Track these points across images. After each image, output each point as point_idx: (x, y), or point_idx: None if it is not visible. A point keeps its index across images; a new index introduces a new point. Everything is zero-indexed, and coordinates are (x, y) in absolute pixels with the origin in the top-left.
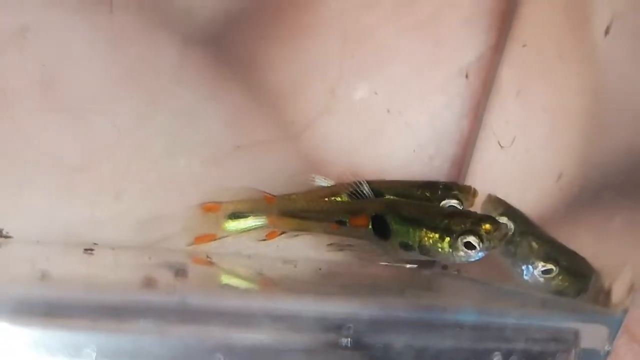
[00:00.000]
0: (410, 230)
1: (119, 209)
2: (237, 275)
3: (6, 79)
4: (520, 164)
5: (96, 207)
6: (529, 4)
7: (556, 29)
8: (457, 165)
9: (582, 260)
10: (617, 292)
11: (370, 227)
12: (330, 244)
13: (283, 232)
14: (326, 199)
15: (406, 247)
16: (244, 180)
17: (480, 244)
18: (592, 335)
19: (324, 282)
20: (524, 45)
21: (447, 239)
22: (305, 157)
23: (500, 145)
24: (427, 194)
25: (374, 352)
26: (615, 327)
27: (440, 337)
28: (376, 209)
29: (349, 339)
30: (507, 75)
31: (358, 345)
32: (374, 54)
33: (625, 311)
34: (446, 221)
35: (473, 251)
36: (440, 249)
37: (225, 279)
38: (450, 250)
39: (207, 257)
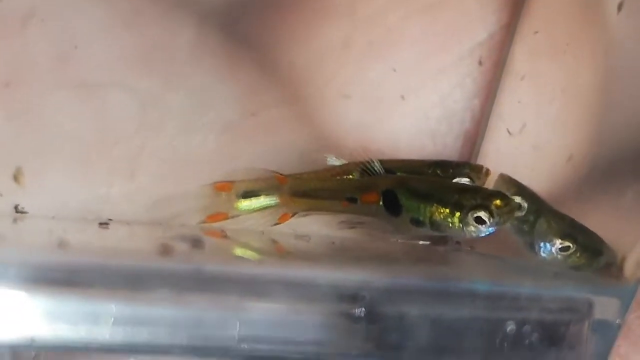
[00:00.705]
0: (421, 205)
1: (133, 187)
2: (252, 247)
3: (23, 56)
4: (531, 146)
5: (112, 185)
6: None
7: (568, 8)
8: (468, 144)
9: (597, 237)
10: (630, 266)
11: (381, 203)
12: (342, 222)
13: (295, 214)
14: (337, 177)
15: (417, 222)
16: (257, 159)
17: (491, 218)
18: (605, 306)
19: (338, 254)
20: (535, 32)
21: (458, 213)
22: (318, 136)
23: (509, 132)
24: (439, 173)
25: (388, 321)
26: (627, 300)
27: (454, 307)
28: (387, 185)
29: (364, 308)
30: (519, 59)
31: (372, 314)
32: (385, 35)
33: (637, 284)
34: (457, 196)
35: (483, 226)
36: (450, 224)
37: (240, 251)
38: (461, 225)
39: (222, 231)
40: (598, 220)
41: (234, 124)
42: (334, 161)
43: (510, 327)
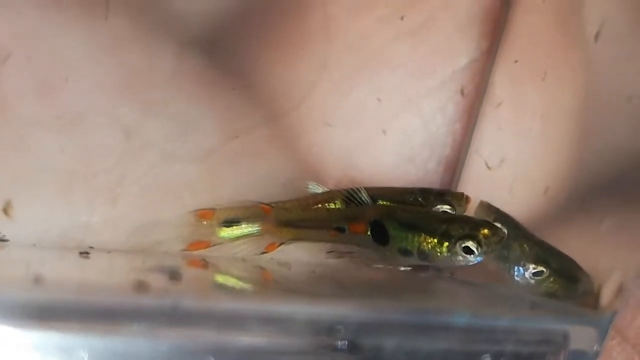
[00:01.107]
0: (409, 235)
1: (115, 214)
2: (232, 277)
3: (2, 84)
4: (509, 176)
5: (92, 212)
6: (520, 12)
7: (547, 36)
8: (450, 169)
9: (573, 263)
10: (606, 294)
11: (369, 233)
12: (330, 252)
13: (282, 244)
14: (323, 206)
15: (405, 252)
16: (239, 186)
17: (479, 248)
18: (581, 336)
19: (318, 284)
20: (515, 61)
21: (446, 243)
22: (299, 163)
23: (487, 165)
24: (420, 200)
25: (365, 354)
26: (604, 329)
27: (432, 339)
28: (374, 215)
29: (340, 341)
30: (499, 85)
31: (349, 347)
32: (367, 61)
33: (614, 313)
34: (445, 226)
35: (471, 255)
36: (439, 254)
37: (219, 281)
38: (449, 254)
39: (204, 260)
40: (575, 249)
41: (214, 152)
42: (315, 188)
43: (487, 359)
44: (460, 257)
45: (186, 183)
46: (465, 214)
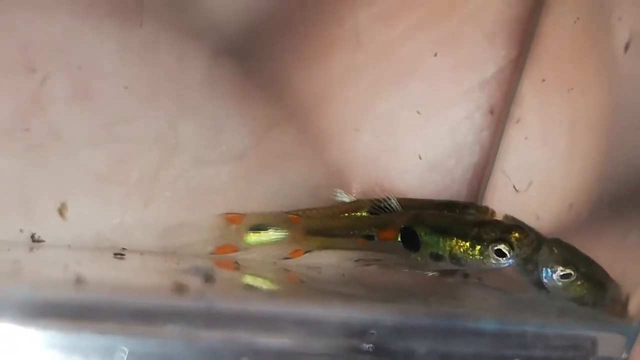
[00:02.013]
0: (441, 240)
1: (146, 216)
2: (263, 279)
3: (42, 89)
4: (534, 188)
5: (126, 214)
6: (549, 22)
7: (575, 48)
8: (477, 177)
9: (601, 269)
10: (634, 303)
11: (399, 239)
12: (358, 260)
13: (308, 251)
14: (350, 215)
15: (437, 257)
16: (269, 192)
17: (511, 251)
18: (609, 344)
19: (348, 288)
20: (543, 79)
21: (478, 247)
22: (328, 170)
23: (515, 188)
24: (445, 212)
25: (396, 358)
26: (632, 337)
27: (461, 344)
28: (404, 222)
29: (372, 345)
30: (525, 99)
31: (380, 351)
32: (396, 68)
33: None
34: (476, 230)
35: (504, 259)
36: (471, 257)
37: (251, 284)
38: (482, 258)
39: (236, 262)
40: (602, 260)
41: (245, 157)
42: (342, 196)
43: None
44: (493, 260)
45: (217, 187)
46: None
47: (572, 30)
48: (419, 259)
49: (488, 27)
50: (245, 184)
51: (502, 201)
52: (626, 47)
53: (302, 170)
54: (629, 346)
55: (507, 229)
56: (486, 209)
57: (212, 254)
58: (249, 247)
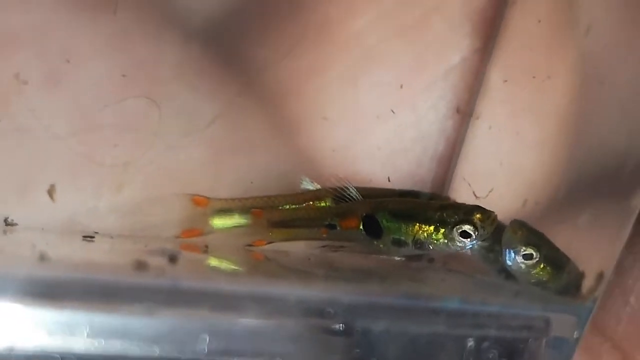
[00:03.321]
0: (403, 226)
1: (119, 201)
2: (227, 261)
3: (17, 73)
4: (490, 183)
5: (99, 199)
6: (515, 12)
7: (540, 36)
8: (444, 165)
9: (564, 255)
10: (587, 283)
11: (361, 227)
12: (323, 246)
13: (271, 242)
14: (312, 205)
15: (400, 243)
16: (238, 177)
17: (475, 231)
18: (562, 323)
19: (312, 270)
20: (505, 81)
21: (442, 230)
22: (296, 158)
23: (475, 195)
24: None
25: (355, 336)
26: (584, 316)
27: (418, 323)
28: (366, 210)
29: (330, 323)
30: (491, 88)
31: (338, 328)
32: (363, 58)
33: (594, 300)
34: (439, 213)
35: (469, 240)
36: (435, 241)
37: (215, 265)
38: (446, 241)
39: (206, 246)
40: (559, 241)
41: (217, 143)
42: (308, 184)
43: (471, 343)
44: (458, 242)
45: (189, 172)
46: None
47: (535, 20)
48: (382, 246)
49: (453, 17)
50: (217, 169)
51: (469, 192)
52: (587, 30)
53: (270, 156)
54: (581, 326)
55: (470, 211)
56: (447, 199)
57: (177, 237)
58: (213, 230)
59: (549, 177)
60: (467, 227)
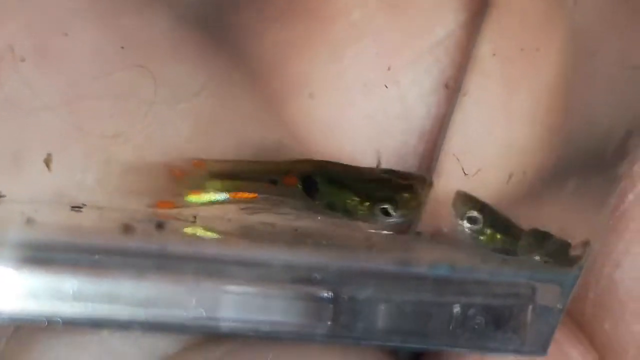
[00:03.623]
0: (336, 192)
1: (108, 173)
2: (214, 230)
3: (8, 44)
4: (478, 159)
5: (87, 171)
6: None
7: (528, 10)
8: (429, 142)
9: (515, 224)
10: (573, 250)
11: (300, 186)
12: (245, 208)
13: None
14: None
15: (332, 207)
16: (227, 149)
17: (396, 210)
18: (548, 292)
19: (298, 239)
20: (493, 55)
21: (367, 203)
22: (284, 130)
23: (464, 172)
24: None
25: (340, 302)
26: (570, 285)
27: (404, 290)
28: (306, 170)
29: (317, 289)
30: (477, 63)
31: (325, 295)
32: (348, 32)
33: (580, 268)
34: (368, 186)
35: (388, 217)
36: (360, 212)
37: (202, 233)
38: (369, 214)
39: (194, 217)
40: (544, 218)
41: (205, 115)
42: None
43: (457, 309)
44: (379, 218)
45: (177, 144)
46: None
47: None
48: (318, 207)
49: None
50: (206, 141)
51: (458, 169)
52: (575, 1)
53: (259, 130)
54: (566, 295)
55: (398, 189)
56: (423, 178)
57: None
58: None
59: (538, 151)
60: (388, 206)
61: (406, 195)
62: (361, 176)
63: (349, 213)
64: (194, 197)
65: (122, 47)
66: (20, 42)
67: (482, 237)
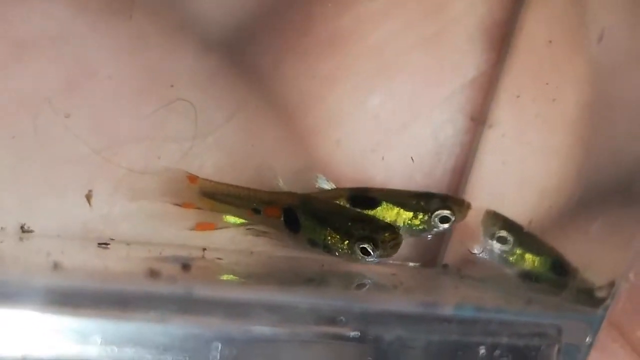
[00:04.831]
0: (317, 227)
1: (134, 207)
2: (238, 269)
3: (33, 83)
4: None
5: (113, 205)
6: (526, 25)
7: (551, 49)
8: (457, 177)
9: (546, 245)
10: (599, 290)
11: (282, 219)
12: (249, 228)
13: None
14: (246, 187)
15: (313, 243)
16: (255, 180)
17: (375, 250)
18: (574, 330)
19: (325, 277)
20: (517, 96)
21: (347, 241)
22: (313, 163)
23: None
24: (422, 204)
25: (366, 344)
26: (596, 323)
27: (430, 331)
28: (289, 203)
29: (343, 331)
30: (504, 102)
31: (349, 336)
32: (382, 69)
33: (606, 307)
34: (349, 224)
35: (368, 257)
36: (340, 250)
37: (227, 274)
38: (349, 252)
39: (218, 258)
40: (570, 250)
41: (233, 149)
42: (323, 182)
43: (482, 351)
44: (359, 257)
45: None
46: (467, 219)
47: (548, 34)
48: (299, 241)
49: (471, 31)
50: (233, 175)
51: (484, 195)
52: (600, 38)
53: (288, 159)
54: (594, 332)
55: (378, 229)
56: (462, 201)
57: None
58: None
59: (563, 185)
60: (367, 245)
61: (386, 235)
62: (342, 213)
63: (329, 250)
64: (232, 218)
65: (172, 86)
66: (52, 81)
67: (511, 258)
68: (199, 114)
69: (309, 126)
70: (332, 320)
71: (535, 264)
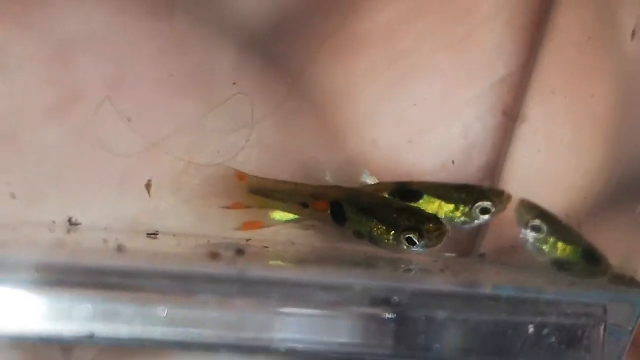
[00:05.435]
0: (363, 219)
1: (181, 205)
2: (287, 257)
3: (77, 82)
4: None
5: (158, 199)
6: (557, 26)
7: (581, 52)
8: (488, 174)
9: (580, 236)
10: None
11: (329, 212)
12: (298, 221)
13: (248, 207)
14: (294, 182)
15: (359, 235)
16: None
17: (420, 240)
18: (618, 312)
19: (371, 263)
20: (552, 92)
21: (392, 232)
22: (349, 156)
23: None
24: (463, 196)
25: (417, 324)
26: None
27: (480, 310)
28: (336, 196)
29: (394, 311)
30: (534, 100)
31: (402, 317)
32: (413, 69)
33: None
34: (394, 215)
35: (413, 246)
36: (385, 241)
37: (277, 259)
38: (394, 242)
39: (264, 246)
40: (611, 237)
41: (272, 144)
42: (367, 177)
43: (531, 330)
44: (404, 246)
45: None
46: (506, 211)
47: (585, 26)
48: (345, 233)
49: (500, 32)
50: (272, 168)
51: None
52: (633, 34)
53: (326, 157)
54: (634, 317)
55: (423, 219)
56: (502, 192)
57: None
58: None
59: (593, 180)
60: (413, 235)
61: (431, 225)
62: (388, 205)
63: (375, 241)
64: (278, 215)
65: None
66: (96, 80)
67: (544, 246)
68: (239, 111)
69: (345, 123)
70: (385, 300)
71: (567, 252)
